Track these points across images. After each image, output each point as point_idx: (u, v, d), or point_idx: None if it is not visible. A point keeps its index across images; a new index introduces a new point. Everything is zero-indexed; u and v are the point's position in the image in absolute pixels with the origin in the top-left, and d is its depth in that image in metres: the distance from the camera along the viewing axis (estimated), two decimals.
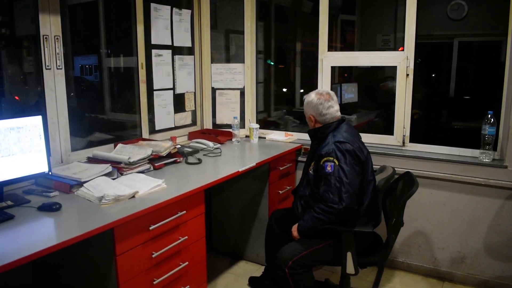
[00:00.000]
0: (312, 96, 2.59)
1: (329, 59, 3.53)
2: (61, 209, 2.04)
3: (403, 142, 3.32)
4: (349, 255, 2.39)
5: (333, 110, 2.56)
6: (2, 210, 2.00)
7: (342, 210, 2.30)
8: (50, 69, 2.62)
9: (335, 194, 2.31)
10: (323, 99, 2.55)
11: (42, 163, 2.28)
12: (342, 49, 3.97)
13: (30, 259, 1.59)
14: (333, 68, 3.58)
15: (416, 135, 3.35)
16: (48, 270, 2.40)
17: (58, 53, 2.64)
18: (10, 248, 1.65)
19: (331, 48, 3.58)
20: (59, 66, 2.65)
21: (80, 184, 2.29)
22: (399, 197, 2.51)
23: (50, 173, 2.33)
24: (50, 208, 2.03)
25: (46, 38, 2.58)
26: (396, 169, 2.75)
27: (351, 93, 4.30)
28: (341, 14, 4.58)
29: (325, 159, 2.40)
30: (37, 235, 1.84)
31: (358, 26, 4.72)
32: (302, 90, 4.68)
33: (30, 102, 3.14)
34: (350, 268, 2.41)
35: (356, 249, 2.40)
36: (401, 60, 3.22)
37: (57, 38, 2.63)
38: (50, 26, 2.59)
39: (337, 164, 2.35)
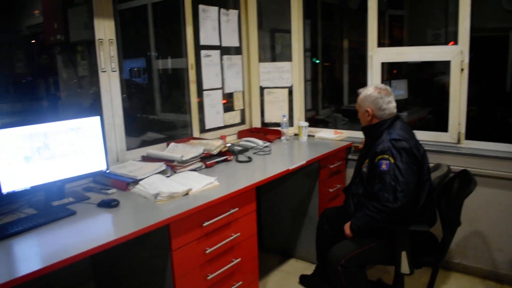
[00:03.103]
0: (370, 90, 2.53)
1: (379, 55, 3.47)
2: (119, 205, 2.12)
3: (459, 139, 3.20)
4: (403, 254, 2.34)
5: (392, 106, 2.50)
6: (65, 206, 2.10)
7: (397, 209, 2.24)
8: (105, 71, 2.72)
9: (390, 192, 2.25)
10: (384, 94, 2.49)
11: (100, 162, 2.37)
12: (390, 45, 3.89)
13: (91, 253, 1.66)
14: (382, 64, 3.51)
15: (472, 132, 3.22)
16: (106, 262, 2.50)
17: (112, 56, 2.73)
18: (73, 242, 1.73)
19: (379, 44, 3.51)
20: (113, 68, 2.75)
21: (136, 181, 2.37)
22: (456, 196, 2.42)
23: (107, 171, 2.42)
24: (109, 204, 2.11)
25: (101, 42, 2.68)
26: (451, 167, 2.66)
27: (400, 89, 4.20)
28: (389, 9, 4.49)
29: (380, 157, 2.35)
30: (97, 230, 1.92)
31: (406, 21, 4.61)
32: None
33: (84, 105, 3.27)
34: (404, 267, 2.35)
35: (411, 249, 2.34)
36: (455, 55, 3.11)
37: (111, 42, 2.72)
38: (105, 30, 2.69)
39: (392, 162, 2.30)
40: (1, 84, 2.22)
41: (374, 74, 3.50)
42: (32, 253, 1.69)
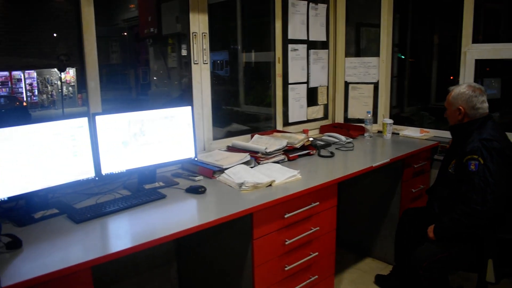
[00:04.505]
0: (464, 88, 2.45)
1: (473, 52, 3.30)
2: (205, 192, 2.22)
3: None
4: (490, 262, 2.24)
5: (486, 105, 2.41)
6: (156, 190, 2.24)
7: (486, 213, 2.14)
8: (197, 63, 2.84)
9: (479, 195, 2.16)
10: (478, 92, 2.40)
11: (189, 150, 2.49)
12: (484, 41, 3.68)
13: (178, 236, 1.76)
14: (476, 61, 3.34)
15: None
16: (189, 245, 2.63)
17: (204, 49, 2.85)
18: (161, 224, 1.84)
19: (474, 40, 3.34)
20: (205, 61, 2.86)
21: (222, 170, 2.47)
22: None
23: (196, 159, 2.54)
24: (196, 190, 2.21)
25: (195, 35, 2.80)
26: None
27: (493, 88, 3.97)
28: (486, 2, 4.24)
29: (469, 157, 2.26)
30: (184, 214, 2.03)
31: (504, 15, 4.33)
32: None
33: (173, 95, 3.42)
34: (490, 276, 2.26)
35: (499, 257, 2.23)
36: None
37: (204, 35, 2.84)
38: (199, 24, 2.81)
39: (482, 163, 2.20)
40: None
41: (467, 72, 3.34)
42: (124, 232, 1.83)
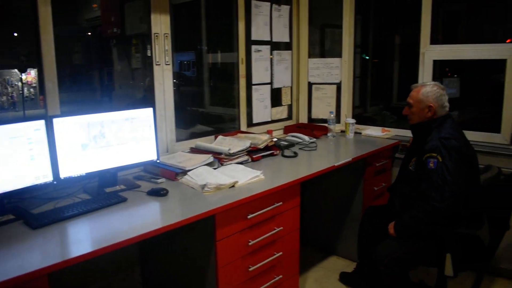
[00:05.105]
0: (432, 86, 2.50)
1: (431, 53, 3.40)
2: (167, 194, 2.20)
3: (511, 141, 3.11)
4: (448, 257, 2.30)
5: (448, 104, 2.48)
6: (117, 193, 2.21)
7: (444, 209, 2.20)
8: (159, 65, 2.81)
9: (437, 192, 2.22)
10: (444, 92, 2.48)
11: (151, 152, 2.46)
12: (444, 42, 3.79)
13: (140, 239, 1.74)
14: (434, 62, 3.44)
15: None
16: (153, 248, 2.60)
17: (167, 50, 2.82)
18: (122, 228, 1.82)
19: (433, 41, 3.44)
20: (167, 62, 2.84)
21: (185, 172, 2.45)
22: (506, 199, 2.36)
23: (158, 161, 2.51)
24: (158, 193, 2.19)
25: (157, 36, 2.77)
26: (502, 169, 2.59)
27: (452, 88, 4.09)
28: (444, 4, 4.36)
29: (428, 155, 2.31)
30: (146, 217, 2.01)
31: (462, 16, 4.46)
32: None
33: (136, 96, 3.38)
34: (448, 270, 2.32)
35: (456, 252, 2.30)
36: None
37: (166, 36, 2.81)
38: (161, 24, 2.78)
39: (440, 160, 2.26)
40: (59, 74, 2.35)
41: (425, 72, 3.44)
42: (84, 236, 1.80)
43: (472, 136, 3.13)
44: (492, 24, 3.97)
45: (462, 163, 2.29)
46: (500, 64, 3.13)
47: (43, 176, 2.04)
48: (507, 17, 3.71)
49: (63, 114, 2.25)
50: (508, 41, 3.09)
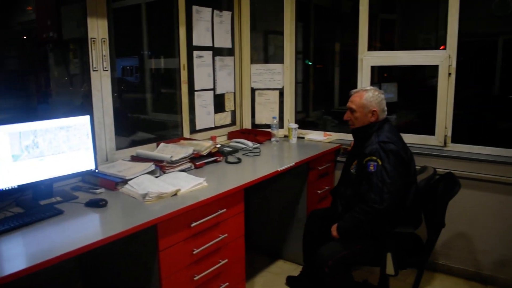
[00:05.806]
0: (372, 91, 2.55)
1: (369, 59, 3.51)
2: (107, 205, 2.13)
3: (445, 143, 3.26)
4: (389, 256, 2.37)
5: (386, 108, 2.56)
6: (52, 205, 2.10)
7: (383, 210, 2.27)
8: (97, 70, 2.72)
9: (377, 194, 2.29)
10: (383, 96, 2.55)
11: (89, 161, 2.37)
12: (381, 49, 3.93)
13: (78, 253, 1.66)
14: (372, 67, 3.55)
15: (459, 136, 3.28)
16: (94, 263, 2.50)
17: (104, 55, 2.74)
18: (59, 242, 1.73)
19: (371, 47, 3.55)
20: (105, 68, 2.75)
21: (125, 181, 2.38)
22: (441, 198, 2.46)
23: (96, 170, 2.42)
24: (97, 204, 2.11)
25: (93, 40, 2.68)
26: (437, 170, 2.70)
27: (390, 92, 4.24)
28: (381, 13, 4.53)
29: (368, 158, 2.38)
30: (84, 230, 1.92)
31: (398, 25, 4.65)
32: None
33: (75, 103, 3.26)
34: (389, 269, 2.39)
35: (396, 250, 2.37)
36: (443, 59, 3.16)
37: (103, 41, 2.73)
38: (98, 29, 2.70)
39: (380, 164, 2.33)
40: None
41: (364, 78, 3.54)
42: (17, 253, 1.69)
43: (409, 138, 3.26)
44: (426, 32, 4.17)
45: (400, 166, 2.37)
46: (433, 70, 3.28)
47: None
48: (438, 26, 3.90)
49: None
50: (441, 47, 3.24)
